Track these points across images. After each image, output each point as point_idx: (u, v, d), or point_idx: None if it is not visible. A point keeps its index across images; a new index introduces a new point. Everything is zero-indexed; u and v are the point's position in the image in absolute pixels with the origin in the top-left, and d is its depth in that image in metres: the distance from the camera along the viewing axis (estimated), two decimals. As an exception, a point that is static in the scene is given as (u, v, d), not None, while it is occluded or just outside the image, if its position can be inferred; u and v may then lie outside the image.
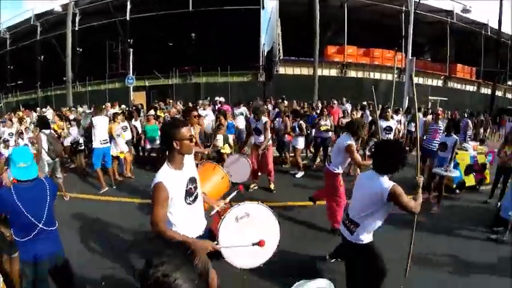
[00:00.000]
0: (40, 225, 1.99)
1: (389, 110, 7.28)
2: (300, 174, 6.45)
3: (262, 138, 5.15)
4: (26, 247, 2.02)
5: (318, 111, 8.58)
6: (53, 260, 2.11)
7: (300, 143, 6.58)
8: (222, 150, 6.02)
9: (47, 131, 4.83)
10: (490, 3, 20.73)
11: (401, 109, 9.86)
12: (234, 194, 2.47)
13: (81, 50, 17.58)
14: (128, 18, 16.56)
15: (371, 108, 8.97)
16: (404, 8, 16.56)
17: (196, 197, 1.98)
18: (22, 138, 6.82)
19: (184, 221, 1.90)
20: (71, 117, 8.66)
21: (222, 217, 2.12)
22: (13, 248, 2.61)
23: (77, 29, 16.83)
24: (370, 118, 8.18)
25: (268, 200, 4.40)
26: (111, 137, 5.81)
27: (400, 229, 2.76)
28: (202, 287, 0.83)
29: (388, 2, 16.68)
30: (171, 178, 1.81)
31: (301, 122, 6.55)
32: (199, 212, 2.04)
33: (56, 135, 6.99)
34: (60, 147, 5.23)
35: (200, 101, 9.78)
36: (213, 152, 5.98)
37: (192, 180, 1.97)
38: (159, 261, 0.79)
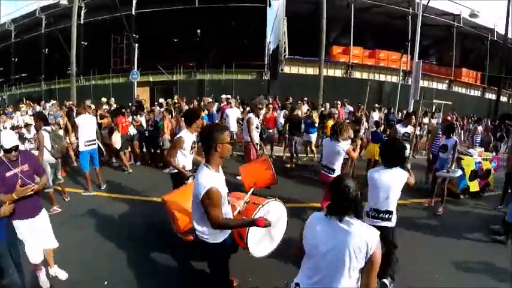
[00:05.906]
0: None
1: (413, 116, 6.43)
2: None
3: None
4: None
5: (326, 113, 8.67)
6: None
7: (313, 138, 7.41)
8: None
9: (49, 128, 4.37)
10: (497, 9, 20.62)
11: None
12: (250, 191, 2.63)
13: (86, 43, 17.53)
14: (133, 13, 16.50)
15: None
16: (411, 10, 16.48)
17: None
18: (29, 131, 6.76)
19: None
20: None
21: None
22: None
23: (82, 22, 16.79)
24: (375, 119, 8.17)
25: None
26: None
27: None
28: None
29: (394, 4, 16.57)
30: (217, 181, 1.85)
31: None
32: (230, 211, 2.16)
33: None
34: (64, 145, 4.84)
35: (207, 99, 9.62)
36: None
37: (225, 182, 2.05)
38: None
